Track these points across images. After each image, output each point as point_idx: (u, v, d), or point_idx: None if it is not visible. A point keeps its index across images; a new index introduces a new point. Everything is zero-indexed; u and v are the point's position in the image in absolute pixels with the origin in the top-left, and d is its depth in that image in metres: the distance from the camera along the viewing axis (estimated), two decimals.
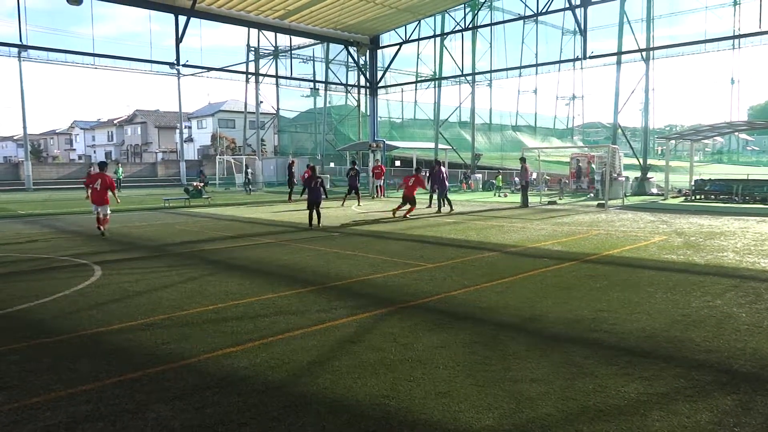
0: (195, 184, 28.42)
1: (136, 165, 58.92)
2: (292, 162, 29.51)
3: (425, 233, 13.95)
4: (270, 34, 44.75)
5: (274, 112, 52.92)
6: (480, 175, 35.85)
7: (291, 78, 45.45)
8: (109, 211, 14.02)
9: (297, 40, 45.42)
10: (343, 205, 22.22)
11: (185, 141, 62.52)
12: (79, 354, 5.24)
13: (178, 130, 56.28)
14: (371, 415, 3.91)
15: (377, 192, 28.72)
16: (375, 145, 30.49)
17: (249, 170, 36.20)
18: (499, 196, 28.82)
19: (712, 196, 23.62)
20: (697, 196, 24.05)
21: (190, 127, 75.52)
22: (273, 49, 47.98)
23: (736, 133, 43.83)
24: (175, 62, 23.11)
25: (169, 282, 8.41)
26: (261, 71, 46.67)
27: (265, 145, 56.31)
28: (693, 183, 25.07)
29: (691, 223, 15.44)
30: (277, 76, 47.07)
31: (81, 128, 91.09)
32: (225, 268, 9.59)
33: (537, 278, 8.38)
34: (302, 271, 9.19)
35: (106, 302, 7.18)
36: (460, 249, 11.40)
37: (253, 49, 47.48)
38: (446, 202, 20.09)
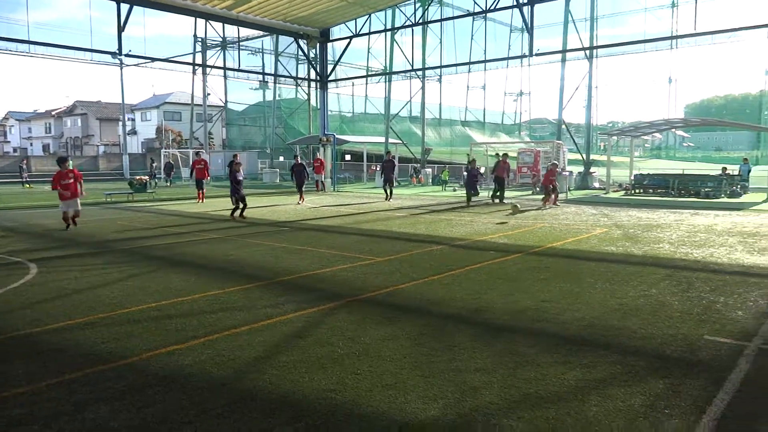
0: (139, 177, 27.58)
1: (77, 158, 56.48)
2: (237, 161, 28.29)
3: (375, 227, 13.99)
4: (218, 25, 43.83)
5: (222, 104, 51.86)
6: (430, 170, 36.20)
7: (239, 70, 44.58)
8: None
9: (246, 32, 44.62)
10: (302, 201, 21.85)
11: (129, 134, 60.56)
12: (12, 356, 5.02)
13: (120, 123, 54.41)
14: (317, 409, 3.90)
15: (317, 187, 28.48)
16: (325, 140, 30.34)
17: (155, 164, 36.44)
18: (446, 190, 29.21)
19: (650, 190, 24.65)
20: (637, 190, 25.03)
21: (133, 120, 73.08)
22: (221, 40, 46.98)
23: (673, 130, 45.79)
24: (117, 52, 22.30)
25: (110, 279, 8.14)
26: (208, 63, 45.66)
27: (212, 138, 55.20)
28: (633, 177, 26.05)
29: (630, 215, 16.06)
30: (225, 68, 46.15)
31: (16, 119, 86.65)
32: (169, 264, 9.36)
33: (483, 270, 8.54)
34: (250, 266, 9.07)
35: (42, 301, 6.89)
36: (409, 242, 11.49)
37: (200, 39, 46.38)
38: (390, 189, 22.59)
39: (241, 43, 47.46)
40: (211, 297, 6.99)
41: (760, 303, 6.55)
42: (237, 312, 6.32)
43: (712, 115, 67.21)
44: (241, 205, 15.94)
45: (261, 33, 42.48)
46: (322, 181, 28.66)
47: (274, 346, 5.21)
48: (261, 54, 49.02)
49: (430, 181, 34.88)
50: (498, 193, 21.16)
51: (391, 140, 39.98)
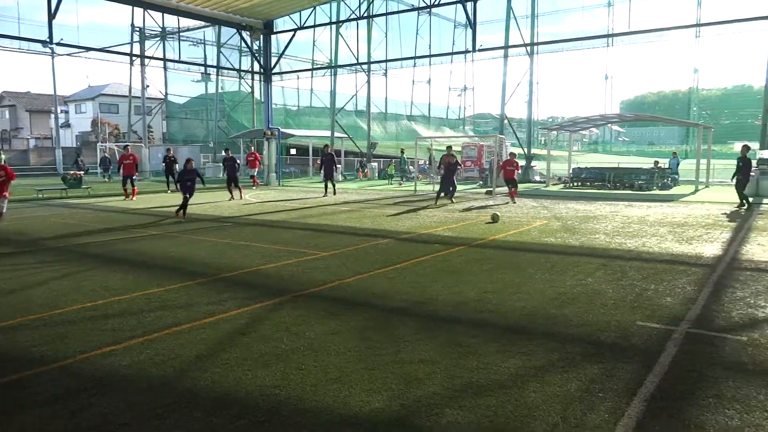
0: (73, 172, 26.42)
1: (5, 152, 53.61)
2: (171, 154, 25.49)
3: (320, 222, 13.93)
4: (157, 14, 42.30)
5: (162, 97, 50.24)
6: (376, 164, 36.27)
7: (180, 62, 43.22)
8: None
9: (186, 22, 43.27)
10: (232, 198, 21.35)
11: (62, 126, 57.76)
12: None
13: (53, 115, 51.86)
14: (261, 406, 3.87)
15: (254, 182, 27.07)
16: (270, 133, 29.88)
17: (80, 158, 35.47)
18: (392, 183, 29.37)
19: (588, 183, 25.56)
20: (575, 183, 25.90)
21: (67, 112, 69.70)
22: (160, 30, 45.44)
23: (609, 125, 47.48)
24: (48, 40, 21.20)
25: (42, 279, 7.78)
26: (147, 53, 44.05)
27: (152, 131, 53.37)
28: (571, 171, 26.92)
29: (569, 208, 16.60)
30: (165, 59, 44.61)
31: None
32: (106, 262, 9.03)
33: (428, 263, 8.65)
34: (191, 263, 8.86)
35: None
36: (354, 236, 11.50)
37: (138, 29, 44.68)
38: (332, 185, 22.05)
39: (181, 34, 46.00)
40: (151, 295, 6.80)
41: (688, 289, 6.91)
42: (178, 310, 6.17)
43: (645, 110, 70.17)
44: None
45: (202, 24, 41.37)
46: (254, 177, 27.22)
47: (217, 343, 5.12)
48: (203, 45, 47.67)
49: (377, 175, 34.95)
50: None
51: (336, 134, 39.81)
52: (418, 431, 3.52)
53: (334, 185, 22.18)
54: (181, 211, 14.90)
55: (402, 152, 32.87)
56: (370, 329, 5.47)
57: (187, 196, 15.00)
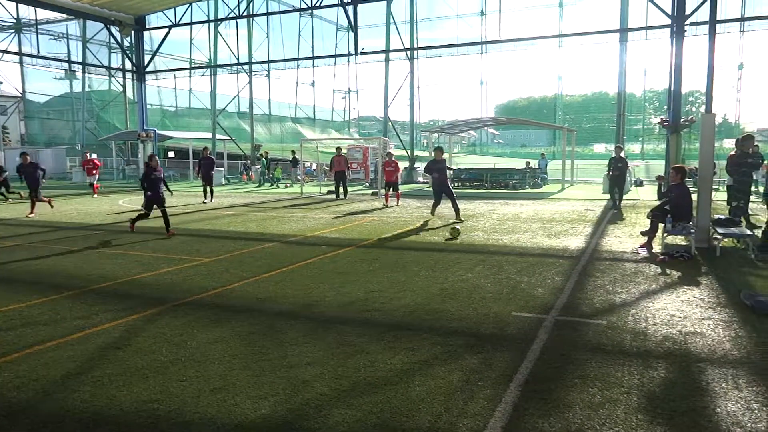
0: None
1: None
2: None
3: (202, 227, 13.39)
4: (10, 4, 38.46)
5: (19, 95, 45.76)
6: (260, 167, 35.50)
7: (39, 57, 39.68)
8: None
9: (45, 14, 39.81)
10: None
11: None
12: None
13: None
14: (137, 422, 3.64)
15: (93, 190, 23.70)
16: (145, 135, 28.28)
17: None
18: (279, 186, 28.96)
19: (468, 183, 26.80)
20: (456, 183, 27.01)
21: None
22: (15, 21, 41.38)
23: (486, 128, 50.17)
24: None
25: None
26: (0, 47, 39.90)
27: (8, 132, 48.44)
28: (451, 172, 28.06)
29: (450, 207, 17.27)
30: (21, 54, 40.68)
31: None
32: None
33: (315, 266, 8.61)
34: (57, 275, 8.15)
35: None
36: (239, 241, 11.18)
37: None
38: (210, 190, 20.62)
39: (40, 27, 42.26)
40: (9, 312, 6.16)
41: (556, 280, 7.46)
42: (41, 327, 5.64)
43: (517, 114, 74.79)
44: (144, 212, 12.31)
45: (64, 16, 38.22)
46: (94, 184, 23.94)
47: (87, 360, 4.75)
48: (66, 40, 44.11)
49: (261, 178, 34.24)
50: (341, 189, 21.11)
51: (218, 136, 38.51)
52: None
53: (212, 190, 20.71)
54: (135, 222, 12.40)
55: (293, 153, 32.37)
56: (255, 335, 5.34)
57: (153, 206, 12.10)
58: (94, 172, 24.61)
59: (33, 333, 5.46)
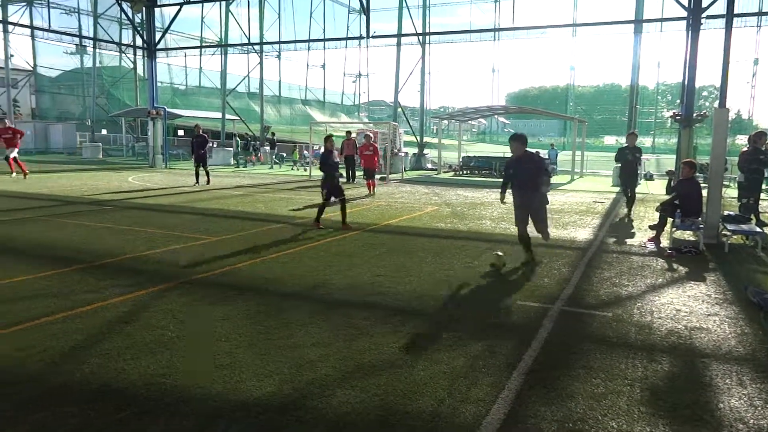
0: None
1: None
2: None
3: (210, 206, 13.44)
4: None
5: (30, 68, 45.76)
6: (269, 148, 35.47)
7: (50, 30, 39.59)
8: None
9: None
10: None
11: None
12: None
13: None
14: (145, 396, 3.69)
15: (10, 167, 19.23)
16: (155, 113, 28.24)
17: None
18: (295, 169, 28.91)
19: (476, 171, 26.68)
20: (464, 171, 26.94)
21: None
22: None
23: (496, 116, 49.82)
24: None
25: None
26: (11, 19, 39.86)
27: (19, 106, 48.55)
28: (461, 159, 27.97)
29: (458, 194, 17.26)
30: (32, 27, 40.60)
31: None
32: None
33: (322, 248, 8.64)
34: (66, 248, 8.21)
35: None
36: (247, 221, 11.22)
37: None
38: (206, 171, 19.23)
39: (51, 0, 42.14)
40: (18, 283, 6.23)
41: (563, 271, 7.45)
42: (51, 299, 5.71)
43: (528, 104, 74.33)
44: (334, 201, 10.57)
45: None
46: (14, 159, 19.31)
47: (96, 333, 4.80)
48: (77, 14, 44.00)
49: (270, 159, 34.23)
50: (350, 173, 20.65)
51: (228, 116, 38.48)
52: (310, 413, 3.53)
53: (207, 172, 19.12)
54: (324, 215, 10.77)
55: (273, 134, 32.46)
56: (261, 314, 5.38)
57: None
58: (16, 143, 19.58)
59: (42, 304, 5.52)
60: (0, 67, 40.88)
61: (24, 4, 41.92)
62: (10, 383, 3.83)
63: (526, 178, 7.71)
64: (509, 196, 7.90)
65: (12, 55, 41.51)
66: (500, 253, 7.60)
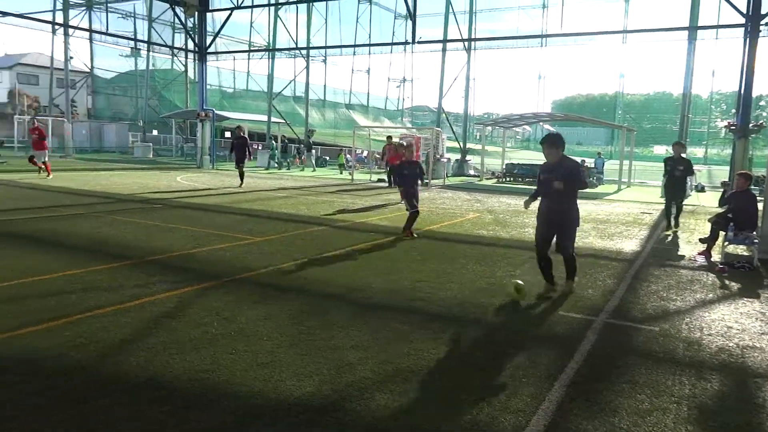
0: None
1: None
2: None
3: (254, 207, 13.69)
4: None
5: (88, 70, 47.67)
6: (314, 151, 35.91)
7: (107, 34, 41.20)
8: None
9: None
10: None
11: None
12: None
13: None
14: (189, 390, 3.78)
15: (38, 165, 19.18)
16: (204, 115, 29.00)
17: None
18: (342, 173, 29.12)
19: (519, 179, 26.36)
20: (507, 178, 26.66)
21: None
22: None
23: (541, 124, 49.13)
24: None
25: None
26: (71, 23, 41.61)
27: (76, 106, 50.59)
28: (504, 166, 27.69)
29: (501, 202, 17.08)
30: (91, 30, 42.32)
31: None
32: (23, 241, 8.53)
33: (362, 251, 8.68)
34: (118, 244, 8.51)
35: None
36: (289, 223, 11.38)
37: None
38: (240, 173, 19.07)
39: (109, 5, 43.80)
40: (72, 276, 6.48)
41: (608, 282, 7.28)
42: (102, 292, 5.92)
43: (574, 111, 73.00)
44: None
45: None
46: (44, 162, 19.17)
47: (144, 327, 4.95)
48: (133, 19, 45.64)
49: (313, 162, 34.64)
50: (392, 178, 20.46)
51: (274, 119, 39.16)
52: (349, 415, 3.55)
53: (242, 174, 19.08)
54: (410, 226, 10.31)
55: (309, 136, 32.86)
56: (303, 315, 5.45)
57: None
58: (45, 145, 19.76)
59: (93, 297, 5.73)
60: (60, 69, 42.71)
61: (84, 8, 43.69)
62: (61, 373, 3.98)
63: (553, 189, 6.28)
64: (534, 203, 7.00)
65: (71, 57, 43.28)
66: (520, 282, 6.27)
